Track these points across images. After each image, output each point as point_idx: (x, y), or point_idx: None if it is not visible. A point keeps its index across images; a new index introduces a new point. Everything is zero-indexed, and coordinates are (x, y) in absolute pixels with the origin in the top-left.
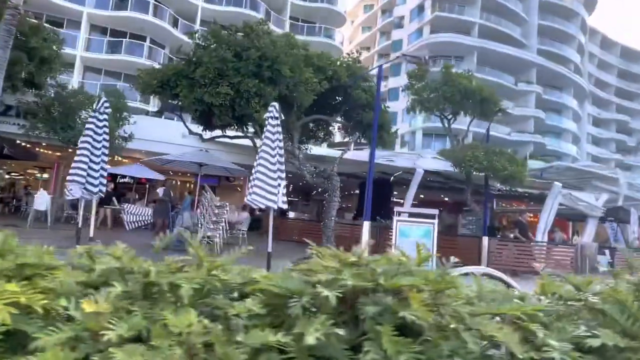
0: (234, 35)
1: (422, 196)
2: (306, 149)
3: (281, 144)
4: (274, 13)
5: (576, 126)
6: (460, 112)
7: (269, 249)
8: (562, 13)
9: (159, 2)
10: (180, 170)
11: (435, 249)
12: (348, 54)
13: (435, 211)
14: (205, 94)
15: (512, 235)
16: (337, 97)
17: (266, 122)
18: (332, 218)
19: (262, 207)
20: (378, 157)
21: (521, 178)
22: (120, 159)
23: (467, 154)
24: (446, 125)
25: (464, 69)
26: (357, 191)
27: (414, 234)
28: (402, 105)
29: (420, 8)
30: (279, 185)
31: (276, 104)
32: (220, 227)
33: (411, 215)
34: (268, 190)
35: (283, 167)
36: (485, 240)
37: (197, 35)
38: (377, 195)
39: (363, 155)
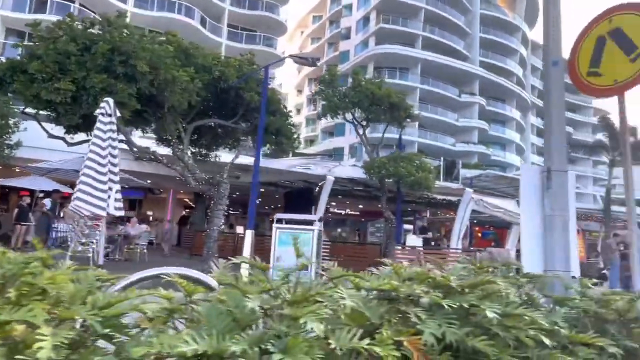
0: (88, 29)
1: (361, 205)
2: (215, 156)
3: (115, 144)
4: (210, 20)
5: (519, 137)
6: (372, 118)
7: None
8: (504, 27)
9: (84, 6)
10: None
11: (314, 256)
12: (241, 55)
13: (316, 217)
14: (42, 90)
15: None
16: (231, 101)
17: (97, 119)
18: (216, 228)
19: (87, 214)
20: (294, 165)
21: (428, 184)
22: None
23: (375, 161)
24: (360, 132)
25: (373, 75)
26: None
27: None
28: (349, 117)
29: (366, 20)
30: (110, 189)
31: (110, 100)
32: (95, 242)
33: (293, 222)
34: (96, 195)
35: (116, 170)
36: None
37: (39, 27)
38: (297, 204)
39: (284, 163)
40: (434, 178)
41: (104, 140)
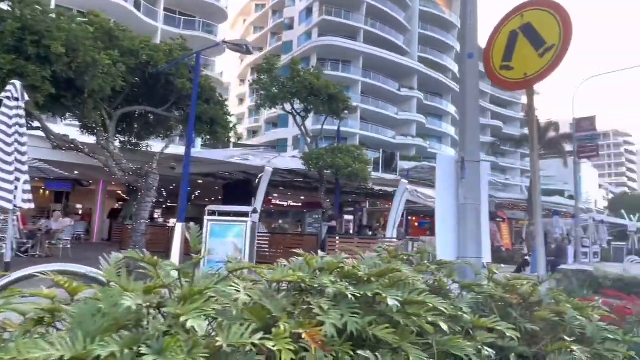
0: None
1: (302, 197)
2: (147, 145)
3: (23, 130)
4: (145, 3)
5: (455, 130)
6: (311, 109)
7: None
8: (441, 24)
9: None
10: None
11: (248, 247)
12: (172, 39)
13: (250, 209)
14: None
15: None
16: (161, 87)
17: (2, 104)
18: (143, 221)
19: None
20: (232, 155)
21: (364, 176)
22: None
23: (314, 152)
24: (299, 123)
25: (311, 66)
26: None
27: (227, 233)
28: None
29: (309, 11)
30: (18, 180)
31: (17, 82)
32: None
33: (226, 214)
34: (1, 187)
35: (25, 159)
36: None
37: None
38: (237, 196)
39: (222, 153)
40: (370, 169)
41: (9, 126)
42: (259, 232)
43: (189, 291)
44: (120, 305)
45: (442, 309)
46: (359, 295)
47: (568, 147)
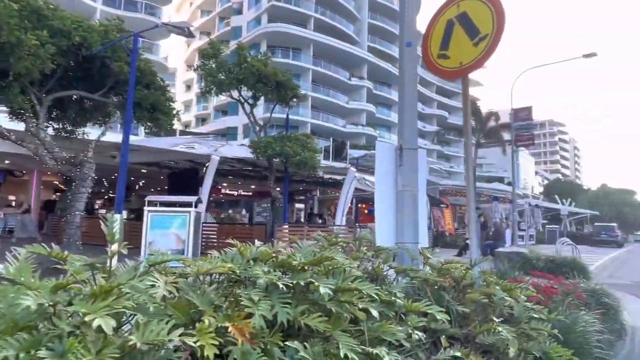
0: None
1: (253, 186)
2: (83, 133)
3: None
4: None
5: None
6: (259, 97)
7: None
8: (390, 13)
9: None
10: None
11: (192, 239)
12: (108, 20)
13: (193, 199)
14: None
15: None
16: (97, 71)
17: None
18: (78, 213)
19: None
20: (177, 143)
21: (313, 164)
22: None
23: (262, 140)
24: (247, 110)
25: (259, 52)
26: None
27: (168, 225)
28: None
29: None
30: None
31: None
32: None
33: (169, 204)
34: None
35: None
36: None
37: None
38: (183, 186)
39: (166, 141)
40: (320, 158)
41: None
42: (206, 223)
43: (99, 288)
44: (17, 305)
45: (373, 295)
46: (291, 284)
47: (507, 136)
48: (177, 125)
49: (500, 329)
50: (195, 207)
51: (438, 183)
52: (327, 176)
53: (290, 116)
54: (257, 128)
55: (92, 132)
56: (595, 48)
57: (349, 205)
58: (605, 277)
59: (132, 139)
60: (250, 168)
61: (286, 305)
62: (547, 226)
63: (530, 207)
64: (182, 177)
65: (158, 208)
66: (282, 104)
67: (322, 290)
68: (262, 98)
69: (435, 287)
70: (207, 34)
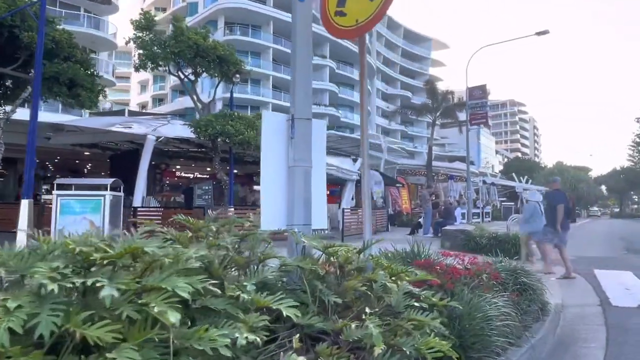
0: None
1: (208, 168)
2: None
3: None
4: None
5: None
6: (200, 72)
7: None
8: None
9: None
10: None
11: (108, 224)
12: None
13: (109, 181)
14: None
15: None
16: (4, 43)
17: None
18: None
19: None
20: (112, 123)
21: (258, 143)
22: None
23: (202, 119)
24: (189, 87)
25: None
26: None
27: (80, 209)
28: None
29: None
30: None
31: None
32: None
33: (81, 187)
34: None
35: None
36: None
37: None
38: (125, 168)
39: (101, 121)
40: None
41: None
42: (147, 207)
43: None
44: None
45: (184, 294)
46: (70, 286)
47: (463, 116)
48: (134, 107)
49: (368, 322)
50: (118, 190)
51: (395, 162)
52: None
53: (250, 96)
54: (199, 106)
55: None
56: (549, 26)
57: None
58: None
59: (70, 118)
60: (196, 149)
61: (57, 313)
62: (503, 203)
63: (486, 185)
64: (124, 159)
65: (68, 192)
66: (224, 79)
67: (104, 292)
68: (204, 73)
69: (310, 275)
70: (163, 9)
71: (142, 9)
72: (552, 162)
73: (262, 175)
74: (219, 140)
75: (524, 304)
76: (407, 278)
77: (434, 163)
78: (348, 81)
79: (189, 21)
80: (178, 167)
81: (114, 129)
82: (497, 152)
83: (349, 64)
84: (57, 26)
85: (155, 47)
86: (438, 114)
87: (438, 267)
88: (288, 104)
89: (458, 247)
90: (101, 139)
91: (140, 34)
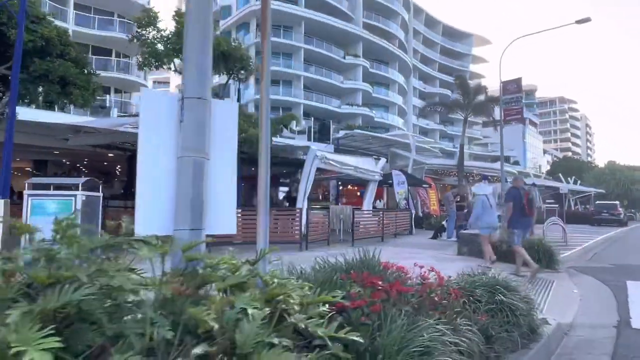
0: None
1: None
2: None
3: None
4: None
5: (402, 99)
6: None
7: None
8: None
9: None
10: None
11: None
12: None
13: (81, 180)
14: None
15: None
16: None
17: None
18: None
19: None
20: (121, 123)
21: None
22: None
23: None
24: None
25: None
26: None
27: (51, 209)
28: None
29: None
30: None
31: None
32: None
33: (53, 186)
34: None
35: None
36: None
37: None
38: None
39: (110, 121)
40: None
41: None
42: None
43: None
44: None
45: None
46: None
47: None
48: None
49: None
50: (96, 190)
51: (424, 162)
52: (291, 157)
53: (281, 97)
54: None
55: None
56: (593, 14)
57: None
58: (587, 260)
59: (77, 119)
60: None
61: None
62: (546, 206)
63: (528, 185)
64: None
65: (39, 192)
66: (232, 77)
67: None
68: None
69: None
70: None
71: (176, 12)
72: (605, 161)
73: (139, 168)
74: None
75: (500, 328)
76: (303, 301)
77: (468, 163)
78: (383, 80)
79: (222, 24)
80: None
81: (121, 129)
82: (545, 152)
83: (383, 63)
84: (51, 23)
85: (159, 45)
86: (470, 110)
87: (380, 282)
88: (320, 105)
89: (476, 253)
90: (116, 140)
91: (144, 32)
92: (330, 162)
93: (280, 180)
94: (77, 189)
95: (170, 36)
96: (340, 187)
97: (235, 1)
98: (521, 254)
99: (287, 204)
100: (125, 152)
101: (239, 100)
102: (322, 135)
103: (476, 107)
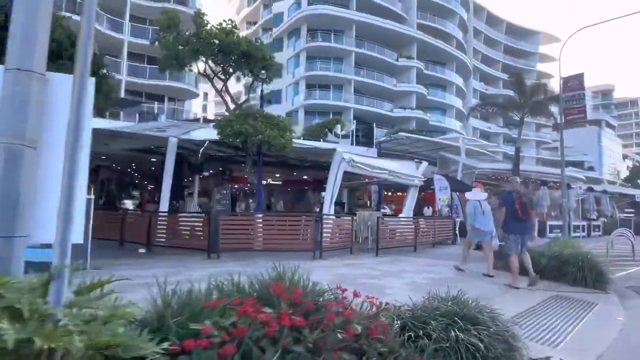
0: None
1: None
2: None
3: None
4: None
5: (462, 102)
6: (228, 69)
7: None
8: None
9: None
10: None
11: None
12: None
13: None
14: None
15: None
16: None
17: None
18: None
19: None
20: (149, 127)
21: (277, 143)
22: None
23: (224, 118)
24: (221, 86)
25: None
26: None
27: None
28: (287, 83)
29: None
30: None
31: None
32: None
33: None
34: None
35: None
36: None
37: None
38: (177, 174)
39: (146, 126)
40: (296, 137)
41: None
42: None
43: None
44: None
45: None
46: None
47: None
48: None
49: None
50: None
51: (474, 166)
52: (310, 159)
53: (332, 102)
54: (232, 106)
55: None
56: None
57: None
58: None
59: (116, 125)
60: (231, 152)
61: None
62: (623, 215)
63: (596, 193)
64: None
65: None
66: (253, 77)
67: None
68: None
69: None
70: (253, 23)
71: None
72: None
73: None
74: (237, 140)
75: None
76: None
77: (527, 167)
78: (439, 82)
79: (274, 32)
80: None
81: (149, 132)
82: (625, 156)
83: (439, 64)
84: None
85: (180, 47)
86: (526, 110)
87: (252, 311)
88: (371, 109)
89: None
90: (149, 144)
91: (165, 34)
92: (359, 165)
93: (324, 185)
94: None
95: (190, 38)
96: (387, 193)
97: (287, 8)
98: (514, 265)
99: (337, 209)
100: (163, 156)
101: (261, 99)
102: (369, 139)
103: (534, 107)
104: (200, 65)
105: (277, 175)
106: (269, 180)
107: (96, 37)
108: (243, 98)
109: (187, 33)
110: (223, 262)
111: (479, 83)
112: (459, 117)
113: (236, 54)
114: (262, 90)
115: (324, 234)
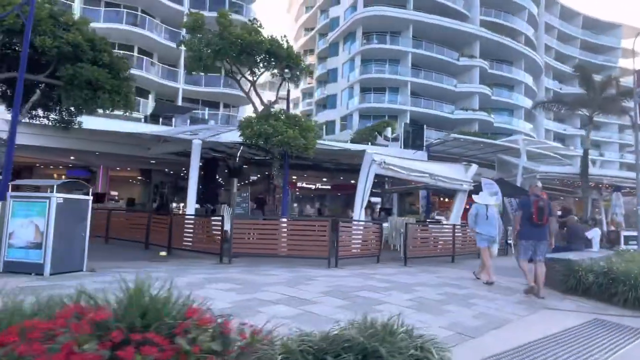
0: None
1: (325, 179)
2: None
3: None
4: None
5: (531, 102)
6: (254, 69)
7: None
8: None
9: None
10: None
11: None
12: None
13: (57, 182)
14: None
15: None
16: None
17: None
18: None
19: None
20: (176, 131)
21: (297, 144)
22: None
23: (246, 120)
24: (246, 88)
25: (249, 19)
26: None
27: (27, 212)
28: (342, 87)
29: None
30: None
31: None
32: None
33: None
34: None
35: None
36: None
37: None
38: (211, 176)
39: (178, 130)
40: (320, 136)
41: None
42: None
43: None
44: None
45: None
46: None
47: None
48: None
49: None
50: (84, 192)
51: (535, 169)
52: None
53: (387, 105)
54: (259, 108)
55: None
56: None
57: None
58: None
59: (158, 129)
60: (261, 154)
61: None
62: None
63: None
64: (208, 167)
65: (18, 193)
66: (281, 77)
67: None
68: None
69: None
70: (311, 29)
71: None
72: None
73: None
74: (260, 142)
75: None
76: None
77: (597, 171)
78: (505, 82)
79: (330, 36)
80: (304, 176)
81: (181, 136)
82: None
83: (506, 63)
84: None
85: (205, 48)
86: (596, 107)
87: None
88: (429, 111)
89: (554, 285)
90: (184, 147)
91: (190, 36)
92: (391, 167)
93: (372, 191)
94: (52, 191)
95: (213, 39)
96: (444, 199)
97: (343, 12)
98: (525, 271)
99: (381, 214)
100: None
101: (287, 100)
102: (420, 141)
103: (603, 104)
104: (226, 66)
105: (325, 179)
106: (317, 185)
107: (156, 48)
108: (301, 104)
109: (209, 35)
110: (222, 267)
111: (553, 82)
112: (529, 119)
113: (260, 53)
114: (288, 91)
115: (342, 241)
